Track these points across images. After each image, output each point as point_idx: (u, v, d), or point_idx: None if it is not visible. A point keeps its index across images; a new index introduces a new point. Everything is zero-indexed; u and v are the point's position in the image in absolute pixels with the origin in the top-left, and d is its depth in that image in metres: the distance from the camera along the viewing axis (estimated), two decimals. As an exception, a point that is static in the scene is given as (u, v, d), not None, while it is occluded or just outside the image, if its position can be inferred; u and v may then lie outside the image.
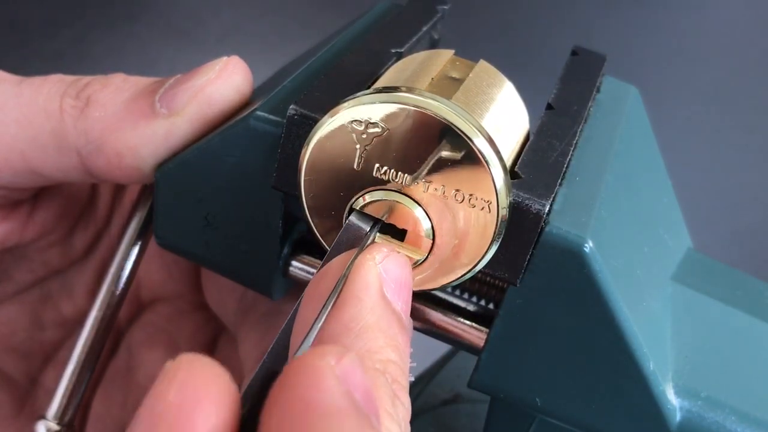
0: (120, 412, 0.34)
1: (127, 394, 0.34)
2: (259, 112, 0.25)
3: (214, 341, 0.35)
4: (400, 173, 0.23)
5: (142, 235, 0.30)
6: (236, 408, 0.16)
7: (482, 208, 0.22)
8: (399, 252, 0.23)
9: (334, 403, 0.16)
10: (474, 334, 0.27)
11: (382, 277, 0.21)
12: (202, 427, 0.16)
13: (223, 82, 0.27)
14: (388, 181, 0.23)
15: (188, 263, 0.34)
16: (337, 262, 0.22)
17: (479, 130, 0.22)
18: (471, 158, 0.22)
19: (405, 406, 0.20)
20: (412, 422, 0.21)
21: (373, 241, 0.23)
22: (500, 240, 0.23)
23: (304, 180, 0.24)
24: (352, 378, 0.17)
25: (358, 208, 0.24)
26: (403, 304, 0.22)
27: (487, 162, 0.22)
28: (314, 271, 0.28)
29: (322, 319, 0.20)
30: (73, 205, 0.33)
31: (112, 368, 0.34)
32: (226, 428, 0.16)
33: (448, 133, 0.22)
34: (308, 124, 0.24)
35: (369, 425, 0.16)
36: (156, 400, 0.16)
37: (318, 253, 0.28)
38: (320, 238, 0.25)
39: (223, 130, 0.26)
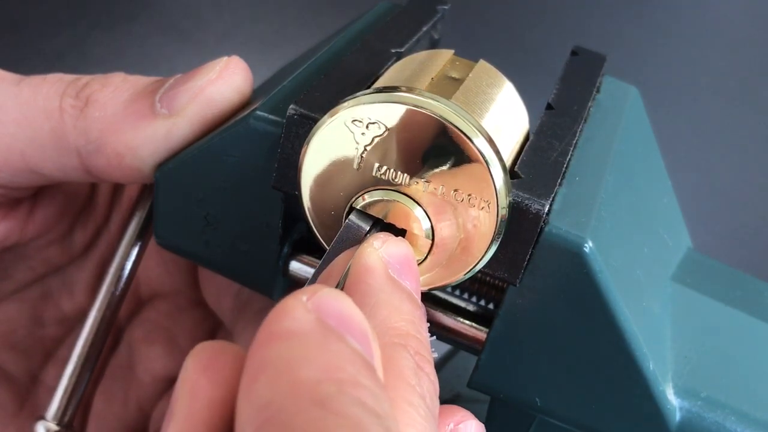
0: (121, 408, 0.34)
1: (127, 390, 0.34)
2: (259, 112, 0.25)
3: (212, 337, 0.35)
4: (399, 173, 0.23)
5: (142, 235, 0.30)
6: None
7: (482, 208, 0.22)
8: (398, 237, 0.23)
9: (297, 326, 0.16)
10: (474, 334, 0.27)
11: (385, 260, 0.21)
12: (209, 384, 0.17)
13: (224, 82, 0.27)
14: (388, 181, 0.23)
15: (185, 260, 0.34)
16: (339, 261, 0.22)
17: (479, 130, 0.22)
18: (471, 158, 0.22)
19: (430, 378, 0.20)
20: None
21: None
22: (500, 240, 0.23)
23: (304, 180, 0.24)
24: (325, 307, 0.17)
25: (357, 207, 0.24)
26: (411, 283, 0.22)
27: (486, 162, 0.22)
28: (314, 271, 0.28)
29: None
30: (72, 202, 0.33)
31: (112, 365, 0.35)
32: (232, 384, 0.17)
33: (447, 133, 0.22)
34: (308, 124, 0.24)
35: (338, 341, 0.16)
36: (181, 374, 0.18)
37: (318, 253, 0.28)
38: (320, 238, 0.25)
39: (223, 130, 0.26)
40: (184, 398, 0.17)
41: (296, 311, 0.17)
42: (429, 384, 0.20)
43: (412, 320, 0.21)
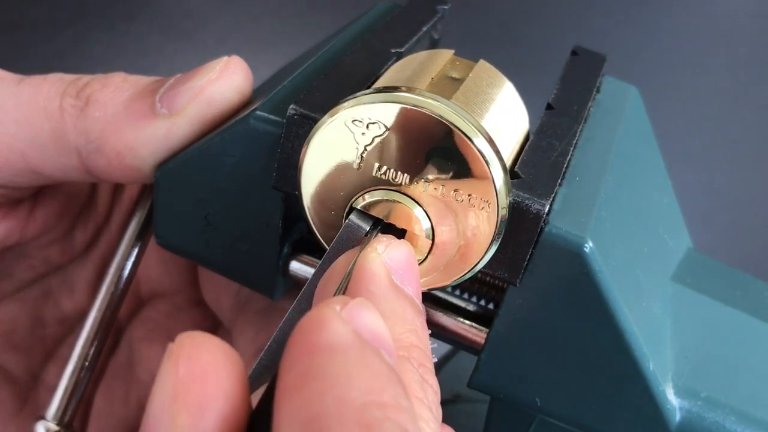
0: (122, 408, 0.34)
1: (128, 389, 0.34)
2: (259, 112, 0.25)
3: None
4: (399, 173, 0.23)
5: (142, 235, 0.30)
6: (242, 373, 0.17)
7: (482, 208, 0.22)
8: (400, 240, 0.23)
9: (338, 340, 0.16)
10: (474, 334, 0.27)
11: (388, 266, 0.21)
12: (216, 394, 0.16)
13: (224, 82, 0.27)
14: (388, 181, 0.23)
15: (186, 260, 0.34)
16: (340, 263, 0.22)
17: (479, 130, 0.22)
18: (471, 158, 0.22)
19: (434, 389, 0.20)
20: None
21: None
22: (500, 240, 0.23)
23: (304, 180, 0.24)
24: (358, 320, 0.17)
25: (358, 207, 0.24)
26: (413, 288, 0.22)
27: (487, 162, 0.22)
28: (314, 271, 0.28)
29: None
30: (73, 202, 0.33)
31: (113, 364, 0.35)
32: (237, 393, 0.17)
33: (448, 133, 0.22)
34: (308, 124, 0.24)
35: (376, 357, 0.16)
36: (166, 379, 0.16)
37: (318, 253, 0.28)
38: (320, 238, 0.25)
39: (223, 130, 0.26)
40: (188, 414, 0.16)
41: (334, 323, 0.16)
42: (433, 395, 0.20)
43: (415, 329, 0.21)
